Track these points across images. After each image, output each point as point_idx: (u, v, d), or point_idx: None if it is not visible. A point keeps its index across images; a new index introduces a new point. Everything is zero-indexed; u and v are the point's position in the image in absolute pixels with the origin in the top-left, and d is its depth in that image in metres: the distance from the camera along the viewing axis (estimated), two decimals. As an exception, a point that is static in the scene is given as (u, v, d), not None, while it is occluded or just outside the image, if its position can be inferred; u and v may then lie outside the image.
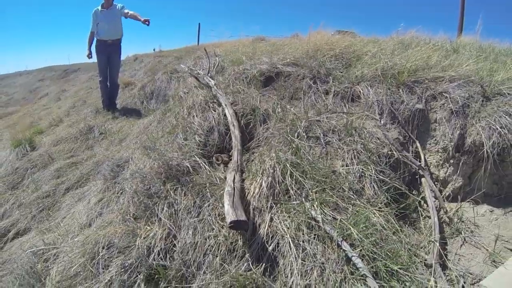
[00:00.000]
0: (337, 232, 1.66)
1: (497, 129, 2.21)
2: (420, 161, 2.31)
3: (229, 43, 4.98)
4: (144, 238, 1.83)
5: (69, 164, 3.21)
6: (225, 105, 2.47)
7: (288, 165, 1.91)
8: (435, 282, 1.71)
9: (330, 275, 1.57)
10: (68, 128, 4.16)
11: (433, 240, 1.94)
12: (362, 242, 1.63)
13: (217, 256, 1.73)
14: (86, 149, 3.47)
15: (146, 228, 1.89)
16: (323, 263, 1.60)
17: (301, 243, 1.67)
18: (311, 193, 1.84)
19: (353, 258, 1.58)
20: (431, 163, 2.49)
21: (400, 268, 1.59)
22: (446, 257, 2.03)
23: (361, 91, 2.52)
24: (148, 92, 4.71)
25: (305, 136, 2.18)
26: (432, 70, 2.54)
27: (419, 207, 2.19)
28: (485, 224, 2.25)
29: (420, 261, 1.87)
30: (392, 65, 2.57)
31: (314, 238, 1.67)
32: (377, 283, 1.49)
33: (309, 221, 1.72)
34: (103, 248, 1.82)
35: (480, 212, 2.37)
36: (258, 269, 1.64)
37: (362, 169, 2.04)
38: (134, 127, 3.50)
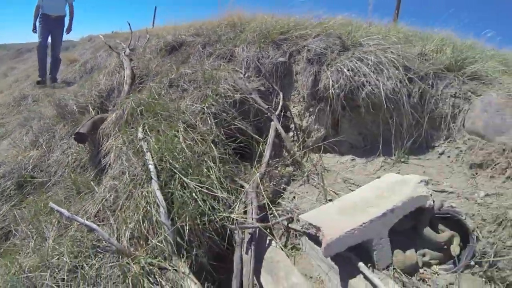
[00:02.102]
0: (147, 147, 2.20)
1: (344, 72, 2.56)
2: (273, 108, 2.72)
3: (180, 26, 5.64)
4: (23, 157, 2.56)
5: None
6: (126, 68, 3.16)
7: (133, 103, 2.51)
8: (245, 206, 2.17)
9: (134, 176, 2.12)
10: (4, 97, 5.09)
11: (257, 171, 2.35)
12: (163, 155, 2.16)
13: (67, 168, 2.38)
14: (17, 113, 4.30)
15: (29, 151, 2.63)
16: (131, 166, 2.15)
17: (123, 154, 2.25)
18: (147, 122, 2.41)
19: (149, 166, 2.11)
20: (294, 113, 2.87)
21: (192, 180, 2.08)
22: (281, 195, 2.41)
23: (236, 51, 3.03)
24: (89, 67, 5.39)
25: (167, 84, 2.76)
26: (301, 28, 2.95)
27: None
28: (340, 170, 2.59)
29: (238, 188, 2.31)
30: (269, 27, 3.03)
31: (133, 151, 2.23)
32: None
33: (133, 139, 2.29)
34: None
35: (340, 161, 2.71)
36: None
37: (203, 107, 2.54)
38: (63, 92, 4.26)
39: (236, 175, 2.40)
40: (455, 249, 1.98)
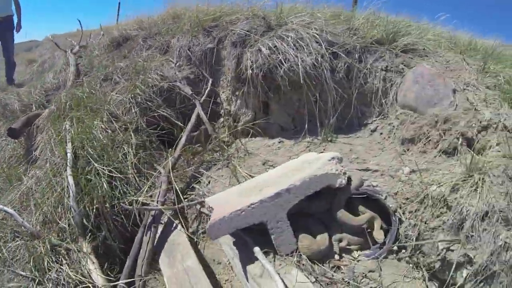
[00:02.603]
0: (69, 137, 2.36)
1: (262, 51, 2.56)
2: (202, 94, 2.77)
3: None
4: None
5: None
6: (71, 65, 3.36)
7: (63, 98, 2.68)
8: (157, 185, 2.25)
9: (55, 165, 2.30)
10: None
11: (170, 156, 2.42)
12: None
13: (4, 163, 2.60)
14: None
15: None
16: (53, 156, 2.33)
17: (48, 146, 2.42)
18: (75, 115, 2.57)
19: (68, 154, 2.26)
20: (223, 99, 2.91)
21: (107, 166, 2.21)
22: (199, 179, 2.46)
23: (172, 42, 3.11)
24: (46, 67, 5.37)
25: (101, 78, 2.91)
26: (231, 13, 2.97)
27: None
28: (264, 153, 2.60)
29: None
30: (202, 16, 3.08)
31: (58, 142, 2.40)
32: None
33: (60, 131, 2.46)
34: None
35: (268, 144, 2.72)
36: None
37: (129, 98, 2.66)
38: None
39: (157, 161, 2.49)
40: (377, 233, 1.90)
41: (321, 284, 1.70)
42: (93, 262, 1.94)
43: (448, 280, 1.70)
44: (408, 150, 2.42)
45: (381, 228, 1.92)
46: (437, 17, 3.15)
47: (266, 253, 1.86)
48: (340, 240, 2.00)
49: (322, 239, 1.90)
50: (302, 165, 2.08)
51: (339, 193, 1.96)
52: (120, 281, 1.78)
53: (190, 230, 2.21)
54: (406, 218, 1.89)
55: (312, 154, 2.29)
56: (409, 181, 2.00)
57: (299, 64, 2.41)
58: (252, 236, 1.92)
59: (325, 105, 2.54)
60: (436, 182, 1.84)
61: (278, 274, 1.65)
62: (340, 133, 2.58)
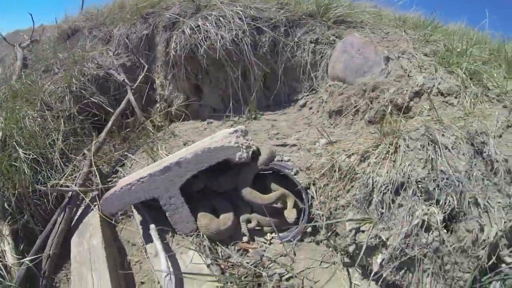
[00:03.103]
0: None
1: (186, 32, 2.57)
2: (139, 81, 2.82)
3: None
4: None
5: None
6: (18, 59, 3.49)
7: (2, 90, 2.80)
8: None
9: None
10: None
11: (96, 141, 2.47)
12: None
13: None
14: None
15: None
16: None
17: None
18: (9, 106, 2.68)
19: None
20: (158, 84, 2.94)
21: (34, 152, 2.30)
22: (124, 162, 2.50)
23: (114, 31, 3.18)
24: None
25: (42, 70, 3.01)
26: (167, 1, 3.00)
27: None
28: (190, 134, 2.62)
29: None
30: (140, 3, 3.12)
31: None
32: None
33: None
34: None
35: (196, 126, 2.74)
36: None
37: (63, 87, 2.74)
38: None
39: (87, 147, 2.55)
40: (288, 212, 1.82)
41: (221, 268, 1.67)
42: (9, 243, 2.01)
43: (367, 267, 1.62)
44: (335, 122, 2.37)
45: (296, 207, 1.86)
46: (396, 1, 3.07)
47: (166, 232, 1.87)
48: (248, 221, 1.92)
49: (225, 218, 1.85)
50: (208, 140, 2.07)
51: (244, 169, 1.93)
52: (26, 258, 1.84)
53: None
54: (317, 195, 1.80)
55: (225, 131, 2.26)
56: (324, 153, 1.89)
57: (218, 41, 2.41)
58: (154, 214, 1.93)
59: (249, 82, 2.52)
60: (346, 151, 1.75)
61: (165, 252, 1.64)
62: (267, 110, 2.56)
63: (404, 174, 1.42)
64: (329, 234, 1.76)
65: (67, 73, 2.83)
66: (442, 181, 1.42)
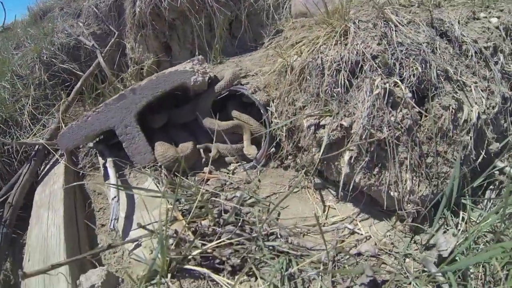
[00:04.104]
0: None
1: None
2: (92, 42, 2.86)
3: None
4: None
5: None
6: None
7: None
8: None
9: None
10: None
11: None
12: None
13: None
14: None
15: None
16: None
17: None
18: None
19: None
20: (129, 48, 2.99)
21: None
22: None
23: (83, 4, 3.27)
24: None
25: (13, 46, 3.11)
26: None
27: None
28: None
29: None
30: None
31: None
32: None
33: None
34: None
35: None
36: None
37: (34, 57, 2.82)
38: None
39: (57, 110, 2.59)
40: (247, 149, 1.77)
41: (181, 196, 1.62)
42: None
43: (337, 180, 1.45)
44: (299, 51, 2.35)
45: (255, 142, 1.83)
46: None
47: (124, 165, 1.86)
48: (207, 150, 1.88)
49: (183, 147, 1.84)
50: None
51: (203, 95, 1.93)
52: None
53: (80, 165, 2.27)
54: (276, 108, 1.76)
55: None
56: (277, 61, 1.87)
57: (179, -10, 2.45)
58: (116, 154, 1.93)
59: (214, 32, 2.54)
60: (298, 51, 1.71)
61: (116, 178, 1.64)
62: (234, 55, 2.57)
63: (357, 52, 1.32)
64: (294, 152, 1.69)
65: (37, 45, 2.90)
66: (401, 52, 1.31)
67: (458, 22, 1.59)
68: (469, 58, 1.46)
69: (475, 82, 1.40)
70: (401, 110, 1.23)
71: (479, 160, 1.34)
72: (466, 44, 1.47)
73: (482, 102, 1.36)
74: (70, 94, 2.56)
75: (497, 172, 1.43)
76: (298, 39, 2.28)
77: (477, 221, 1.20)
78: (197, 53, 2.53)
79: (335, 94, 1.33)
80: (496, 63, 1.56)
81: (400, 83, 1.24)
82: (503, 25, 1.75)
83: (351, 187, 1.32)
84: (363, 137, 1.23)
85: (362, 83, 1.30)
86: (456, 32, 1.48)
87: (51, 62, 2.78)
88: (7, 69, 2.73)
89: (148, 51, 2.78)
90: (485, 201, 1.36)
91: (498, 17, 1.83)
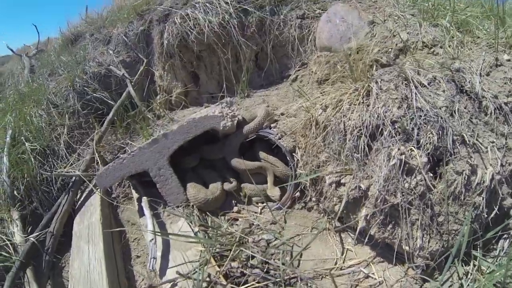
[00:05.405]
0: (10, 126, 2.80)
1: (176, 22, 2.82)
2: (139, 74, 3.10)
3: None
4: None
5: None
6: (26, 67, 3.93)
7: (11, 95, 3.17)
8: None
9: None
10: None
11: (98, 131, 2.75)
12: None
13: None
14: None
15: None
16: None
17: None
18: (17, 107, 3.03)
19: (6, 138, 2.69)
20: (157, 76, 3.20)
21: (40, 145, 2.60)
22: (123, 149, 2.74)
23: (113, 31, 3.52)
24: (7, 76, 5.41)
25: (47, 73, 3.39)
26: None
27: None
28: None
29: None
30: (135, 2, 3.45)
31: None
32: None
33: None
34: None
35: (194, 111, 2.94)
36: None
37: (67, 86, 3.07)
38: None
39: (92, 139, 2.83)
40: (270, 190, 1.95)
41: (209, 236, 1.77)
42: (17, 226, 2.28)
43: (353, 226, 1.57)
44: (323, 90, 2.48)
45: (278, 183, 1.97)
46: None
47: (158, 204, 2.04)
48: (234, 189, 2.03)
49: (213, 188, 2.01)
50: (195, 114, 2.24)
51: (231, 136, 2.09)
52: (31, 235, 2.08)
53: (114, 195, 2.47)
54: (301, 156, 1.89)
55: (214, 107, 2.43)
56: (302, 112, 1.99)
57: (206, 26, 2.63)
58: (150, 191, 2.12)
59: (241, 63, 2.70)
60: (323, 105, 1.82)
61: (153, 219, 1.81)
62: (261, 89, 2.72)
63: (378, 116, 1.43)
64: (319, 198, 1.82)
65: (70, 74, 3.16)
66: (420, 118, 1.40)
67: (480, 74, 1.66)
68: (488, 115, 1.53)
69: (492, 142, 1.48)
70: (415, 177, 1.35)
71: (492, 215, 1.42)
72: (486, 100, 1.55)
73: (498, 162, 1.44)
74: (102, 123, 2.79)
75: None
76: (323, 75, 2.42)
77: (488, 271, 1.29)
78: (224, 84, 2.70)
79: (354, 158, 1.44)
80: (515, 118, 1.61)
81: (416, 150, 1.35)
82: (526, 70, 1.79)
83: (367, 237, 1.46)
84: (378, 200, 1.37)
85: (381, 147, 1.42)
86: (476, 88, 1.57)
87: (84, 91, 3.03)
88: (43, 97, 3.00)
89: (176, 80, 2.98)
90: (498, 250, 1.44)
91: (521, 62, 1.88)
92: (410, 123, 1.42)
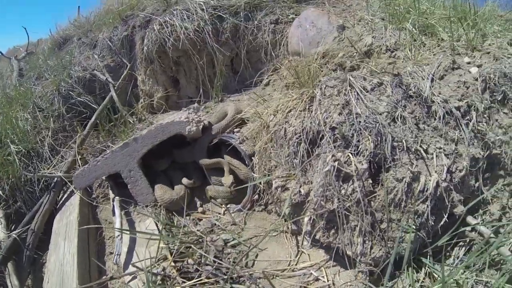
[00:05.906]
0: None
1: (155, 29, 2.98)
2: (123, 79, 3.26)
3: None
4: None
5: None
6: (14, 70, 4.11)
7: None
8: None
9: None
10: None
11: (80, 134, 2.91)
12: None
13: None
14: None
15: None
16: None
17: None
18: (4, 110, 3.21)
19: None
20: (140, 80, 3.36)
21: (24, 147, 2.77)
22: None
23: (99, 36, 3.68)
24: None
25: (34, 77, 3.57)
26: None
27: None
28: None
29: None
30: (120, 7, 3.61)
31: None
32: None
33: None
34: None
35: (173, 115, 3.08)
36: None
37: (53, 90, 3.25)
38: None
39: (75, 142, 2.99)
40: (225, 178, 2.10)
41: (173, 234, 1.91)
42: (1, 223, 2.45)
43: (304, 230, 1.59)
44: (291, 94, 2.60)
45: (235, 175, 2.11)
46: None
47: (129, 204, 2.20)
48: (190, 184, 2.17)
49: (178, 189, 2.17)
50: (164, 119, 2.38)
51: (199, 140, 2.25)
52: (13, 232, 2.26)
53: (94, 195, 2.63)
54: (257, 160, 2.00)
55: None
56: (256, 117, 2.09)
57: (182, 32, 2.77)
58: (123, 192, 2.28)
59: (215, 68, 2.85)
60: (273, 110, 1.94)
61: (121, 217, 1.98)
62: (235, 93, 2.86)
63: (319, 122, 1.50)
64: (276, 202, 1.93)
65: (56, 78, 3.34)
66: (359, 124, 1.42)
67: (432, 78, 1.73)
68: (437, 120, 1.56)
69: (440, 148, 1.51)
70: (352, 183, 1.39)
71: (442, 223, 1.44)
72: (435, 105, 1.60)
73: (444, 169, 1.45)
74: (85, 126, 2.96)
75: (468, 228, 1.49)
76: (292, 80, 2.55)
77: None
78: (201, 88, 2.85)
79: (294, 164, 1.55)
80: (467, 123, 1.59)
81: (352, 157, 1.41)
82: (482, 76, 1.84)
83: (311, 240, 1.53)
84: (316, 205, 1.44)
85: (321, 152, 1.48)
86: (425, 92, 1.62)
87: (69, 95, 3.21)
88: (29, 101, 3.18)
89: (158, 84, 3.14)
90: (452, 257, 1.47)
91: (479, 66, 1.93)
92: (350, 129, 1.48)
